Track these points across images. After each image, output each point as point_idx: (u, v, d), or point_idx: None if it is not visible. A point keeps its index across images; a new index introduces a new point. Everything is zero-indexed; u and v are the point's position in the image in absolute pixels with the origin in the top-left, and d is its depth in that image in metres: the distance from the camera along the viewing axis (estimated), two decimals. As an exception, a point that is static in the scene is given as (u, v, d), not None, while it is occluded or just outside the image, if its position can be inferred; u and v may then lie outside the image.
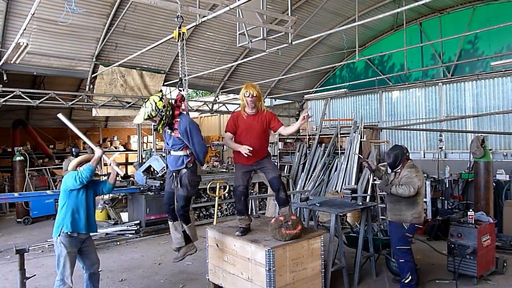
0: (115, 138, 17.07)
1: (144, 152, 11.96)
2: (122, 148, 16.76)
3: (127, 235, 8.22)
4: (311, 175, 10.89)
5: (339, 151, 10.73)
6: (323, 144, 11.23)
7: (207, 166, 12.89)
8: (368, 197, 8.99)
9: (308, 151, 11.60)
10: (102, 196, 8.14)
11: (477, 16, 9.48)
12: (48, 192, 9.06)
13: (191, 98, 18.40)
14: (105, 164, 12.02)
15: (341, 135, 10.96)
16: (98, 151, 4.37)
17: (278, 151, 12.75)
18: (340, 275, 5.17)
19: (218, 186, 7.60)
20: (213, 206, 8.36)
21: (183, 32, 4.41)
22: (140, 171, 8.59)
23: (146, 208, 8.32)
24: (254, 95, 4.38)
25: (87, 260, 4.38)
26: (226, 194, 8.98)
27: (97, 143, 15.25)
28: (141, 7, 7.98)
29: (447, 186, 9.03)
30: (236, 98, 14.31)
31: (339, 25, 10.16)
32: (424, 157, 10.64)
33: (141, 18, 8.45)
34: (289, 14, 6.15)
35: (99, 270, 4.57)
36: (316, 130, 11.69)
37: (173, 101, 4.34)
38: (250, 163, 4.51)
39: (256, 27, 5.83)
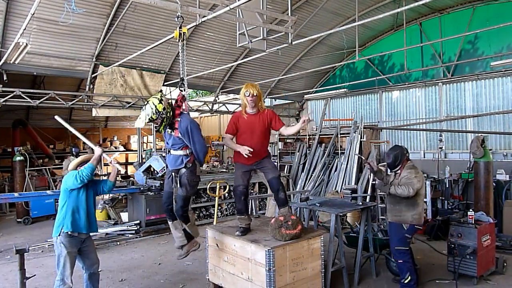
0: (115, 138, 17.07)
1: (144, 152, 11.97)
2: (122, 148, 16.76)
3: (127, 235, 8.22)
4: (311, 175, 10.89)
5: (339, 151, 10.73)
6: (323, 144, 11.23)
7: (207, 166, 12.90)
8: (368, 197, 8.99)
9: (308, 151, 11.60)
10: (102, 196, 8.17)
11: (477, 16, 9.48)
12: (48, 192, 9.06)
13: (191, 98, 18.40)
14: (106, 164, 12.02)
15: (341, 135, 10.95)
16: (98, 150, 4.37)
17: (278, 151, 12.74)
18: (340, 275, 5.17)
19: (218, 186, 7.60)
20: (213, 206, 8.36)
21: (183, 32, 4.41)
22: (140, 171, 8.60)
23: (146, 208, 8.32)
24: (255, 94, 4.38)
25: (87, 260, 4.38)
26: (226, 194, 8.98)
27: (97, 143, 15.24)
28: (141, 7, 7.98)
29: (447, 186, 9.03)
30: (236, 98, 14.33)
31: (339, 25, 10.16)
32: (424, 157, 10.64)
33: (141, 18, 8.44)
34: (289, 14, 6.15)
35: (99, 270, 4.57)
36: (316, 130, 11.69)
37: (173, 101, 4.34)
38: (250, 163, 4.51)
39: (256, 27, 5.82)
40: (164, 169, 7.64)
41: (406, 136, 11.16)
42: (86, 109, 10.94)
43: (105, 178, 7.32)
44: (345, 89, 10.88)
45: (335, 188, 9.96)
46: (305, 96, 13.07)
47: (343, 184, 9.83)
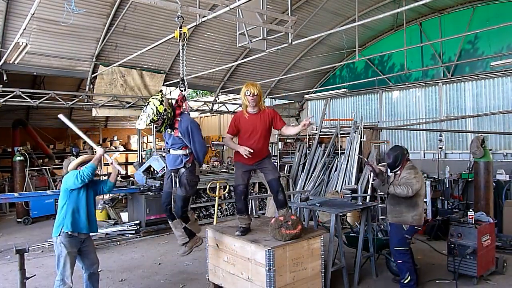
0: (115, 138, 17.07)
1: (144, 152, 11.96)
2: (122, 148, 16.76)
3: (127, 235, 8.22)
4: (311, 175, 10.89)
5: (339, 151, 10.73)
6: (323, 144, 11.23)
7: (207, 166, 12.90)
8: (368, 197, 8.99)
9: (308, 151, 11.60)
10: (102, 196, 8.16)
11: (477, 16, 9.48)
12: (48, 192, 9.06)
13: (191, 98, 18.40)
14: (106, 164, 12.03)
15: (341, 135, 10.96)
16: (99, 150, 4.38)
17: (278, 151, 12.74)
18: (340, 275, 5.17)
19: (218, 186, 7.60)
20: (213, 206, 8.36)
21: (184, 32, 4.40)
22: (140, 171, 8.60)
23: (146, 208, 8.32)
24: (255, 93, 4.38)
25: (87, 260, 4.38)
26: (226, 194, 8.99)
27: (97, 143, 15.24)
28: (141, 7, 7.98)
29: (447, 186, 9.03)
30: (236, 98, 14.33)
31: (339, 25, 10.17)
32: (424, 157, 10.65)
33: (141, 18, 8.44)
34: (289, 14, 6.15)
35: (99, 270, 4.57)
36: (316, 130, 11.69)
37: (173, 101, 4.34)
38: (251, 163, 4.51)
39: (256, 27, 5.82)
40: (164, 169, 7.64)
41: (406, 136, 11.16)
42: (86, 109, 10.94)
43: (105, 178, 7.32)
44: (345, 89, 10.88)
45: (335, 188, 9.96)
46: (305, 96, 13.08)
47: (343, 184, 9.83)
